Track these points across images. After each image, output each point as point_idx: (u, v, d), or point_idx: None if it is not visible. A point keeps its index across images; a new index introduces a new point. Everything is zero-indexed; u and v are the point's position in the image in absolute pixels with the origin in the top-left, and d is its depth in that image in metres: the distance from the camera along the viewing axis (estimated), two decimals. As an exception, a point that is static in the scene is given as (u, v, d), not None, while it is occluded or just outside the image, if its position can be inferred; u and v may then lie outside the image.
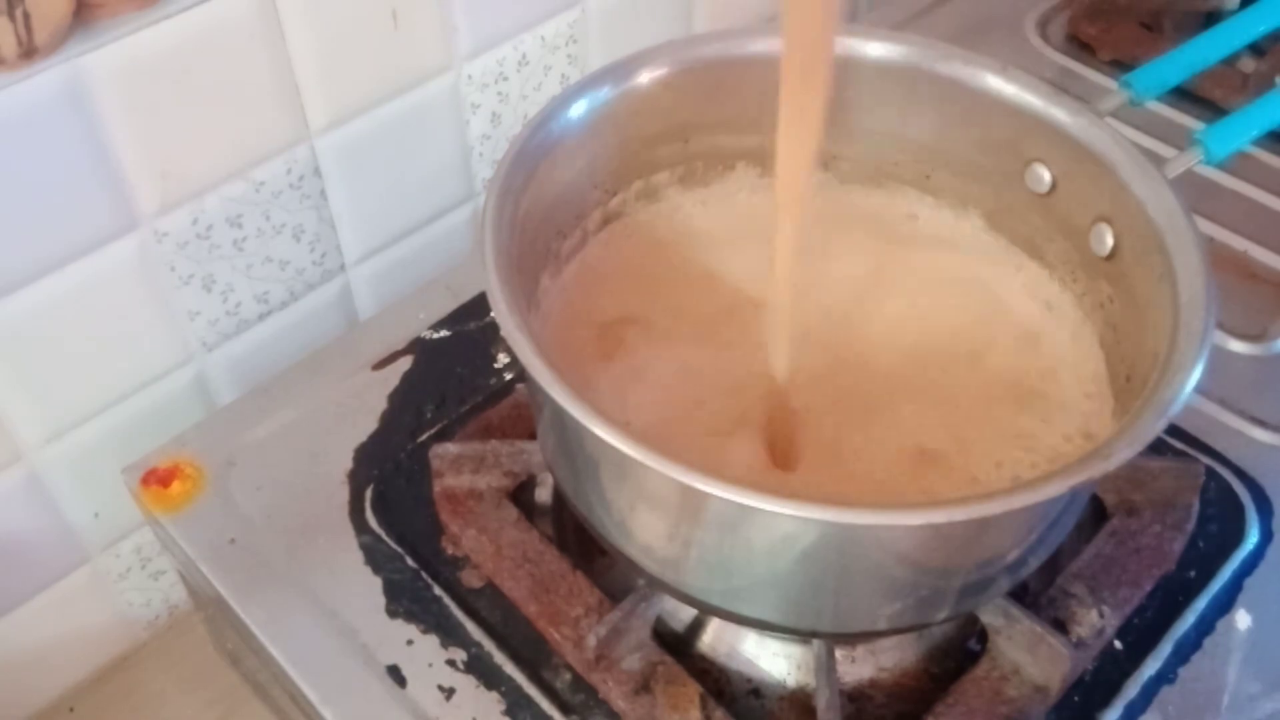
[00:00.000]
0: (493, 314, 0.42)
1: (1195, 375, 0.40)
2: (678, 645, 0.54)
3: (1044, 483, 0.38)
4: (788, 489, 0.40)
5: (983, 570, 0.45)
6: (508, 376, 0.65)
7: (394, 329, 0.67)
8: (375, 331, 0.67)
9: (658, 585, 0.48)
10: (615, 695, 0.51)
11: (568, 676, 0.52)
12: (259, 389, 0.64)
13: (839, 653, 0.53)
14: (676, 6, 0.80)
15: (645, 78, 0.53)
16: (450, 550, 0.57)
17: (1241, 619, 0.55)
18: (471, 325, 0.67)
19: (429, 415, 0.63)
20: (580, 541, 0.57)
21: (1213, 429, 0.62)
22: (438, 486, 0.58)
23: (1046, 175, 0.52)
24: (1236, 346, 0.65)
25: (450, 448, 0.58)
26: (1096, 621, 0.53)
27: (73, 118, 0.53)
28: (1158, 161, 0.48)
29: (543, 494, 0.60)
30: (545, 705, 0.51)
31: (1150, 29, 0.86)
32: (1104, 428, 0.49)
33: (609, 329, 0.53)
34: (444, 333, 0.67)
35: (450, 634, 0.54)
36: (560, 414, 0.40)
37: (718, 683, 0.54)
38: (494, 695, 0.52)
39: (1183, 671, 0.53)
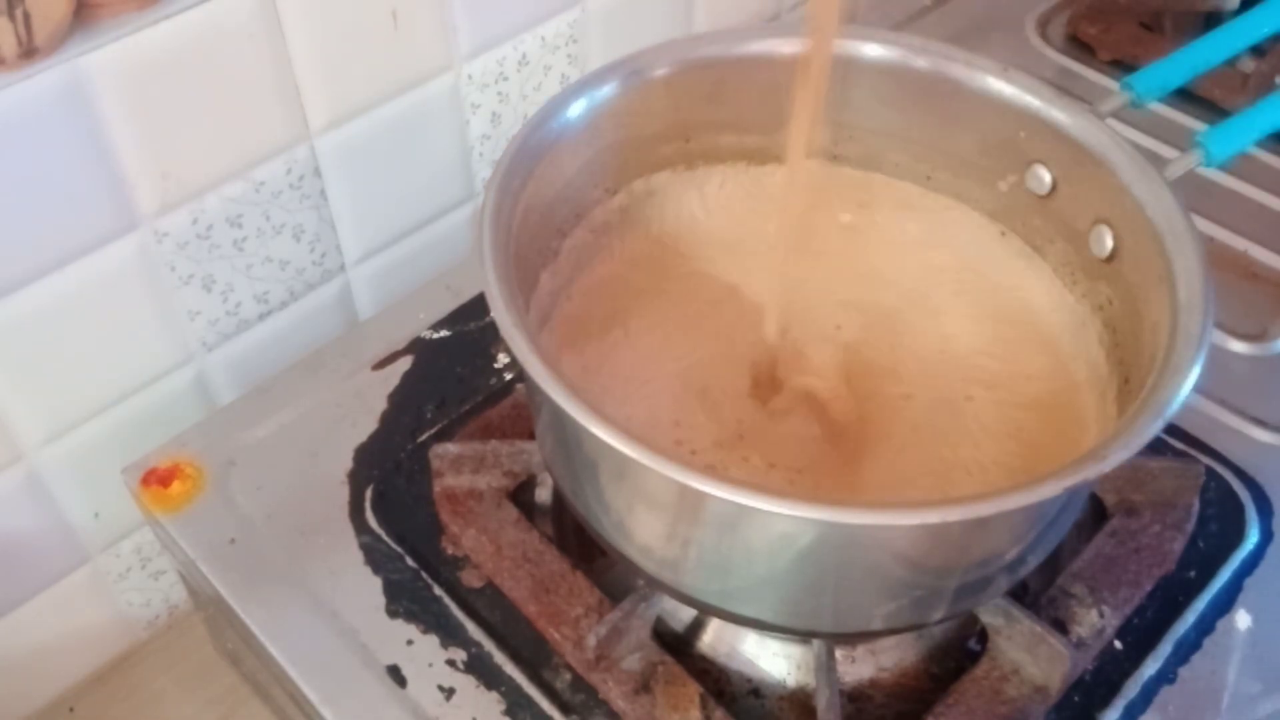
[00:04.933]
0: (491, 313, 0.42)
1: (1192, 377, 0.40)
2: (678, 645, 0.54)
3: (1040, 483, 0.38)
4: (785, 489, 0.40)
5: (981, 570, 0.45)
6: (508, 376, 0.65)
7: (394, 329, 0.67)
8: (375, 331, 0.67)
9: (657, 585, 0.48)
10: (615, 695, 0.51)
11: (568, 676, 0.52)
12: (259, 389, 0.64)
13: (839, 653, 0.53)
14: (676, 6, 0.80)
15: (645, 77, 0.53)
16: (450, 550, 0.57)
17: (1241, 619, 0.55)
18: (471, 325, 0.67)
19: (429, 415, 0.63)
20: (580, 541, 0.57)
21: (1213, 429, 0.62)
22: (438, 486, 0.58)
23: (1047, 176, 0.52)
24: (1236, 346, 0.65)
25: (450, 448, 0.58)
26: (1096, 621, 0.53)
27: (73, 118, 0.53)
28: (1158, 163, 0.48)
29: (543, 494, 0.60)
30: (545, 705, 0.51)
31: (1150, 29, 0.86)
32: (1104, 429, 0.49)
33: (609, 327, 0.53)
34: (444, 333, 0.67)
35: (450, 634, 0.54)
36: (559, 414, 0.40)
37: (718, 683, 0.54)
38: (494, 695, 0.52)
39: (1183, 671, 0.53)
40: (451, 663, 0.53)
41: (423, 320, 0.67)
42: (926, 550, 0.43)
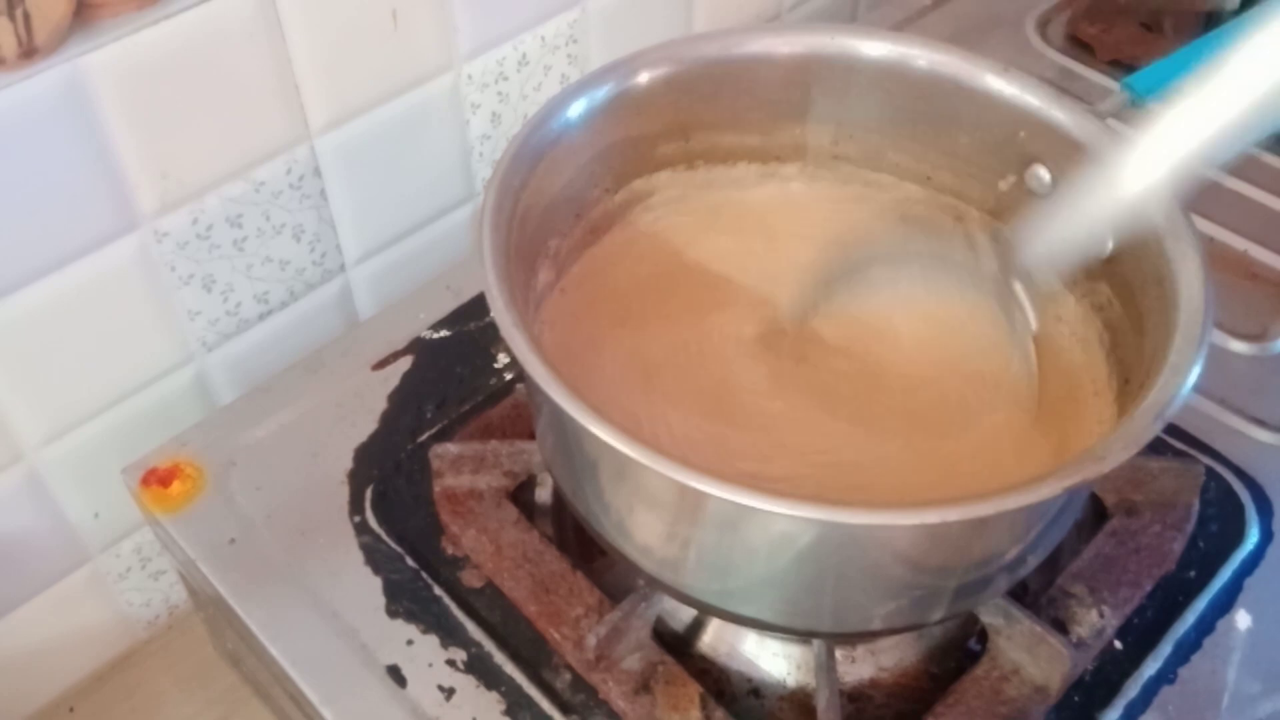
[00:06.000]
0: (491, 313, 0.42)
1: (1192, 377, 0.40)
2: (678, 645, 0.54)
3: (1039, 483, 0.38)
4: (783, 489, 0.39)
5: (981, 569, 0.45)
6: (508, 376, 0.65)
7: (394, 329, 0.67)
8: (375, 331, 0.67)
9: (657, 585, 0.48)
10: (615, 695, 0.51)
11: (568, 676, 0.52)
12: (259, 389, 0.64)
13: (839, 653, 0.53)
14: (676, 6, 0.80)
15: (645, 77, 0.53)
16: (450, 550, 0.57)
17: (1241, 619, 0.55)
18: (471, 325, 0.67)
19: (429, 415, 0.63)
20: (580, 541, 0.57)
21: (1213, 429, 0.62)
22: (438, 486, 0.58)
23: (1047, 176, 0.52)
24: (1236, 346, 0.65)
25: (450, 448, 0.58)
26: (1096, 621, 0.53)
27: (73, 118, 0.53)
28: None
29: (543, 494, 0.60)
30: (545, 705, 0.51)
31: (1150, 29, 0.86)
32: (1104, 430, 0.49)
33: (608, 327, 0.53)
34: (444, 333, 0.67)
35: (450, 634, 0.54)
36: (559, 414, 0.40)
37: (718, 683, 0.54)
38: (494, 695, 0.52)
39: (1183, 671, 0.53)
40: (451, 663, 0.53)
41: (423, 320, 0.67)
42: (926, 550, 0.43)
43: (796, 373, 0.51)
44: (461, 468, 0.57)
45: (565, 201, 0.53)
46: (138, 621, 0.73)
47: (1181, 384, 0.40)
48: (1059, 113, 0.51)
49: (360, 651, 0.53)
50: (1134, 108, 0.55)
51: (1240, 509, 0.59)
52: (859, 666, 0.54)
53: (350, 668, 0.52)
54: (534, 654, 0.53)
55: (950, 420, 0.50)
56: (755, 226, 0.58)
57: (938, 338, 0.53)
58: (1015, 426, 0.50)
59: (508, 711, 0.51)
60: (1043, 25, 0.88)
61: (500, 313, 0.42)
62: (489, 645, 0.53)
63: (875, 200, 0.58)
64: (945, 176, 0.57)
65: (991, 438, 0.50)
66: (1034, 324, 0.50)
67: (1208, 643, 0.54)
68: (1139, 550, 0.56)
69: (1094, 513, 0.58)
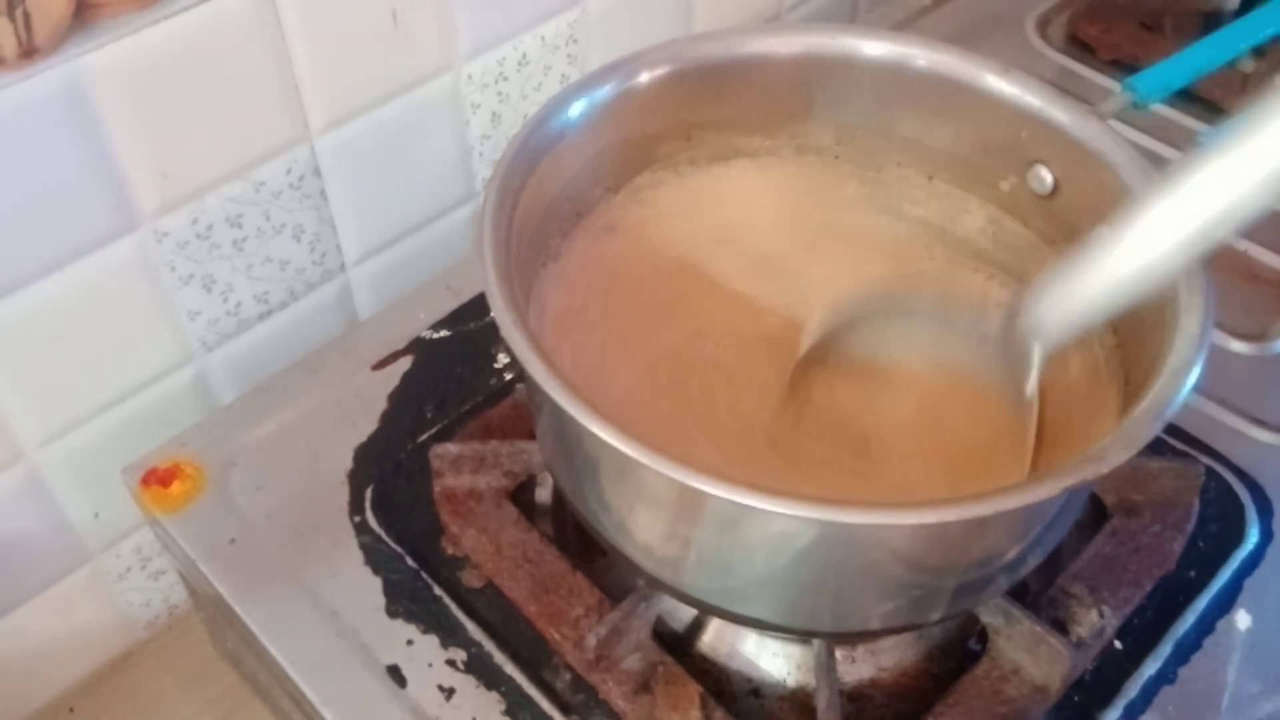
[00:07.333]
0: (492, 313, 0.42)
1: (1191, 378, 0.40)
2: (678, 645, 0.54)
3: (1038, 484, 0.38)
4: (783, 488, 0.39)
5: (981, 569, 0.45)
6: (508, 376, 0.65)
7: (394, 329, 0.67)
8: (375, 331, 0.67)
9: (657, 585, 0.48)
10: (615, 695, 0.51)
11: (568, 676, 0.52)
12: (259, 389, 0.64)
13: (839, 653, 0.53)
14: (676, 6, 0.80)
15: (645, 77, 0.53)
16: (450, 550, 0.57)
17: (1241, 619, 0.55)
18: (471, 325, 0.67)
19: (429, 415, 0.63)
20: (580, 541, 0.57)
21: (1213, 429, 0.62)
22: (438, 486, 0.58)
23: (1048, 177, 0.52)
24: (1236, 346, 0.66)
25: (450, 448, 0.58)
26: (1096, 621, 0.53)
27: (73, 118, 0.53)
28: (1158, 163, 0.48)
29: (543, 494, 0.60)
30: (545, 705, 0.51)
31: (1150, 29, 0.86)
32: (1105, 431, 0.49)
33: (608, 328, 0.53)
34: (444, 333, 0.67)
35: (450, 634, 0.54)
36: (558, 413, 0.40)
37: (718, 683, 0.54)
38: (494, 695, 0.52)
39: (1183, 671, 0.53)
40: (451, 663, 0.53)
41: (423, 320, 0.67)
42: (925, 550, 0.43)
43: (798, 382, 0.51)
44: (461, 468, 0.57)
45: (566, 201, 0.53)
46: (138, 621, 0.73)
47: (1181, 385, 0.40)
48: (1060, 113, 0.51)
49: (360, 651, 0.53)
50: (1136, 109, 0.55)
51: (1240, 509, 0.59)
52: (859, 666, 0.54)
53: (350, 668, 0.52)
54: (534, 654, 0.53)
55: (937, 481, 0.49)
56: (754, 228, 0.58)
57: (934, 394, 0.52)
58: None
59: (508, 711, 0.51)
60: (1043, 25, 0.88)
61: (500, 312, 0.42)
62: (489, 645, 0.53)
63: (876, 202, 0.58)
64: (946, 176, 0.56)
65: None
66: (1034, 385, 0.47)
67: (1208, 643, 0.54)
68: (1139, 550, 0.56)
69: (1094, 513, 0.58)
